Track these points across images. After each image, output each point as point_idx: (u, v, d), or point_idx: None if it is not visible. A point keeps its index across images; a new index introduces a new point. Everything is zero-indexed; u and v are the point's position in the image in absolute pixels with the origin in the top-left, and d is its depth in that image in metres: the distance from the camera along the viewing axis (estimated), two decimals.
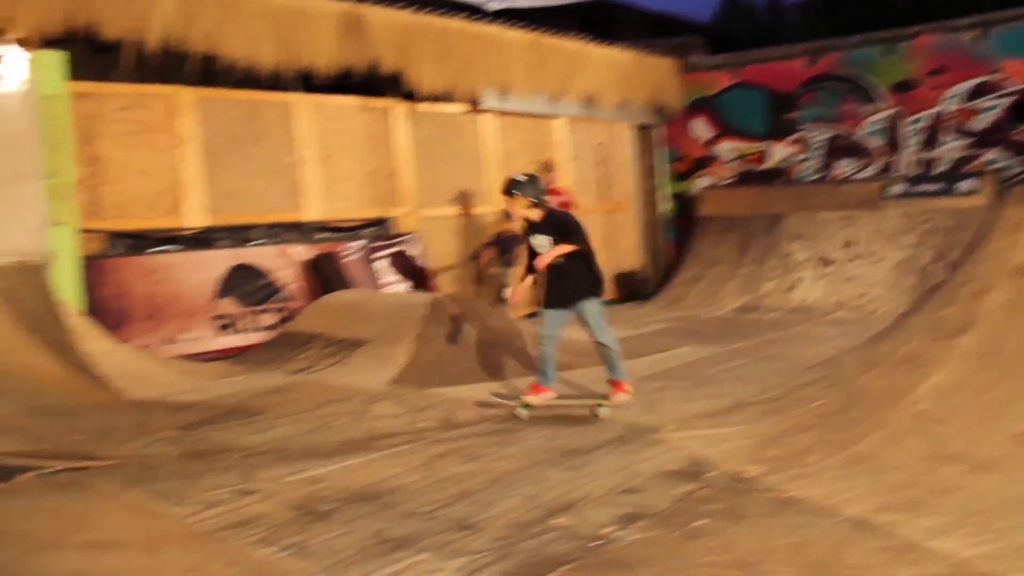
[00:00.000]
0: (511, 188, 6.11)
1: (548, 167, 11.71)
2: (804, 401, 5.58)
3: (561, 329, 6.21)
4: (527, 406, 6.16)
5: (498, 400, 6.60)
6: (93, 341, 7.73)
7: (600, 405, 6.13)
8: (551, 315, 6.16)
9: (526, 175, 6.23)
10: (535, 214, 6.11)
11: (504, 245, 10.69)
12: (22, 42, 8.33)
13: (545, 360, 6.19)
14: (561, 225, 6.07)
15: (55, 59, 8.25)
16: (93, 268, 8.49)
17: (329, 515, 4.10)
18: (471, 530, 3.92)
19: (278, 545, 3.71)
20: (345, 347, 8.01)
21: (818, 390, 5.70)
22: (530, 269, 6.19)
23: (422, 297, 8.82)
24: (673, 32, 16.93)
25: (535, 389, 6.25)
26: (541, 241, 6.09)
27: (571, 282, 6.06)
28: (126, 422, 6.15)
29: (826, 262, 12.21)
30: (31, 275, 7.87)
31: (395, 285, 10.48)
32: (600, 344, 6.16)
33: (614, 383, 6.25)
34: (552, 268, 6.03)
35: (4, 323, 7.28)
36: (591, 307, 6.09)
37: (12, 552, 3.34)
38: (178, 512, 4.12)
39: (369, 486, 4.55)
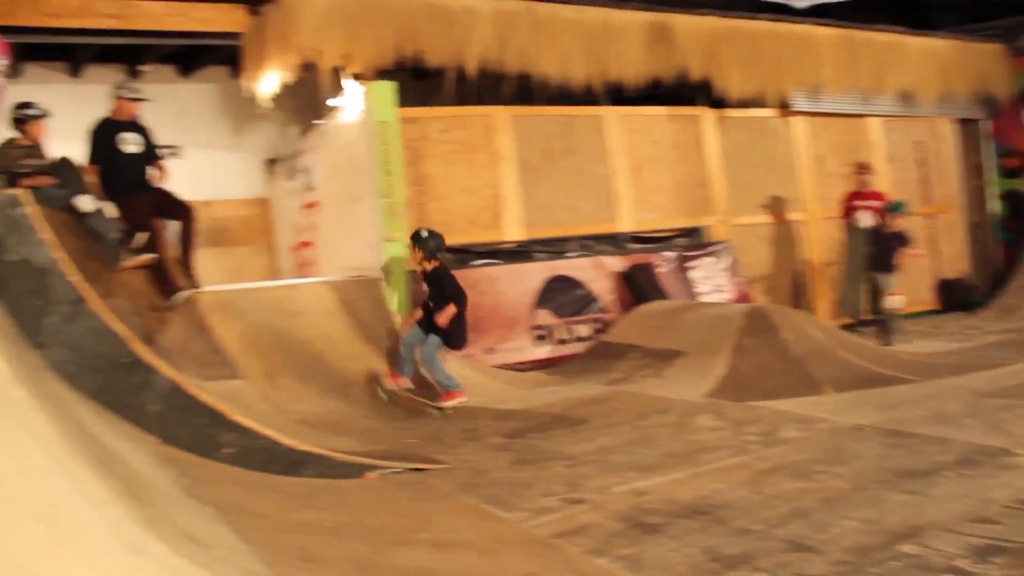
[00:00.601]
0: (413, 240, 7.50)
1: (863, 169, 11.02)
2: None
3: (419, 343, 7.35)
4: (389, 393, 7.28)
5: (409, 394, 7.29)
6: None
7: (439, 408, 7.01)
8: (418, 332, 7.41)
9: (429, 232, 7.52)
10: (428, 266, 7.46)
11: (886, 245, 10.10)
12: (358, 76, 9.03)
13: (403, 360, 7.38)
14: (440, 284, 7.40)
15: (387, 89, 8.85)
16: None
17: (658, 528, 4.02)
18: (809, 552, 3.70)
19: (610, 556, 3.68)
20: (661, 358, 7.92)
21: None
22: (424, 306, 7.47)
23: (739, 307, 8.56)
24: (998, 13, 15.37)
25: (393, 377, 7.36)
26: (429, 289, 7.48)
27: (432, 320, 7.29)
28: (455, 428, 6.42)
29: None
30: (369, 288, 8.45)
31: (710, 295, 10.28)
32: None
33: (448, 393, 7.11)
34: (428, 307, 7.44)
35: (348, 333, 7.87)
36: (432, 341, 7.28)
37: (368, 544, 3.55)
38: (511, 517, 4.21)
39: (696, 500, 4.43)
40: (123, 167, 7.24)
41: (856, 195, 10.69)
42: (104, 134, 7.29)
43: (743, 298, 10.30)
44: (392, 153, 8.74)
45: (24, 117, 7.04)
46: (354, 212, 9.38)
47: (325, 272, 10.20)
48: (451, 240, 9.43)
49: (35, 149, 7.05)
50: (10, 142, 6.98)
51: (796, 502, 4.35)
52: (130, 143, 7.32)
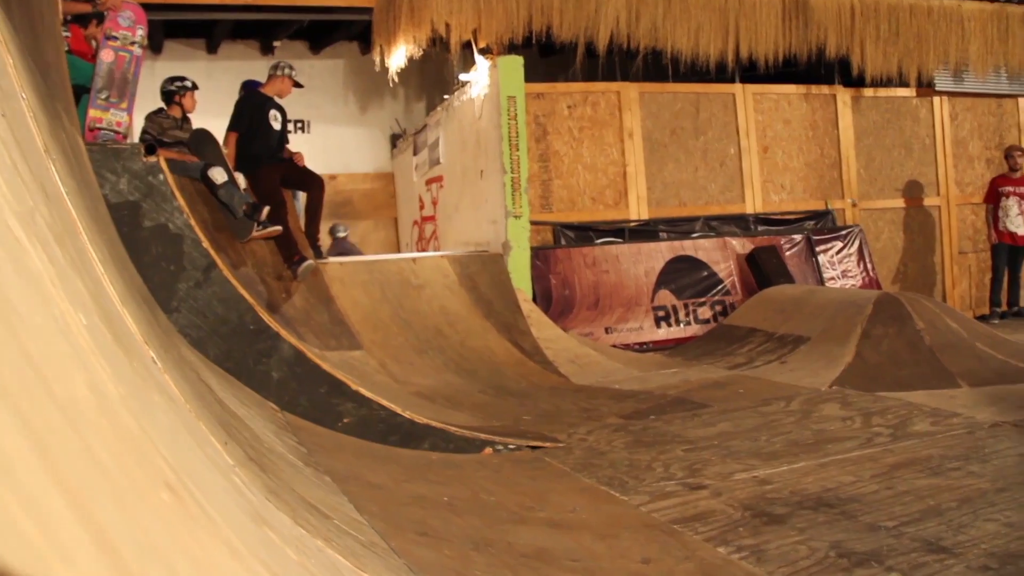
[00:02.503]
0: None
1: (1015, 153, 10.41)
2: None
3: None
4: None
5: None
6: (542, 327, 8.17)
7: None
8: None
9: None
10: None
11: None
12: (486, 50, 9.02)
13: None
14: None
15: (515, 64, 8.80)
16: (542, 258, 8.96)
17: (783, 519, 3.86)
18: (945, 554, 3.48)
19: (732, 545, 3.55)
20: (786, 343, 7.71)
21: None
22: None
23: (868, 293, 8.22)
24: None
25: None
26: None
27: None
28: (573, 407, 6.35)
29: None
30: (490, 264, 8.49)
31: (837, 281, 9.95)
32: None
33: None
34: None
35: (467, 308, 7.92)
36: None
37: (484, 520, 3.51)
38: (628, 500, 4.12)
39: (823, 492, 4.24)
40: (263, 140, 7.42)
41: (1004, 180, 10.12)
42: (257, 106, 7.49)
43: (872, 285, 9.94)
44: (519, 128, 8.73)
45: (176, 90, 7.28)
46: (478, 187, 9.42)
47: (447, 247, 10.33)
48: (575, 217, 9.44)
49: (183, 121, 7.28)
50: (160, 111, 7.25)
51: (930, 499, 4.11)
52: (275, 119, 7.51)
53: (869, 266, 10.21)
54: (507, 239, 8.65)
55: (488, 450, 4.96)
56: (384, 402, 5.07)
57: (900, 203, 10.98)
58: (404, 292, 7.77)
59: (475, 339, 7.63)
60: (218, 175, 6.68)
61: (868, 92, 10.82)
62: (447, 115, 10.52)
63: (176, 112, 7.28)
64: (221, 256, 5.43)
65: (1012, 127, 11.69)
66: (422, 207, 11.63)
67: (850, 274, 10.09)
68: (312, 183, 7.71)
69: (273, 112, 7.52)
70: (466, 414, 5.91)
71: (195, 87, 7.38)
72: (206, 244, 5.16)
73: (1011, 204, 9.95)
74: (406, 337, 7.30)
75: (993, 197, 10.19)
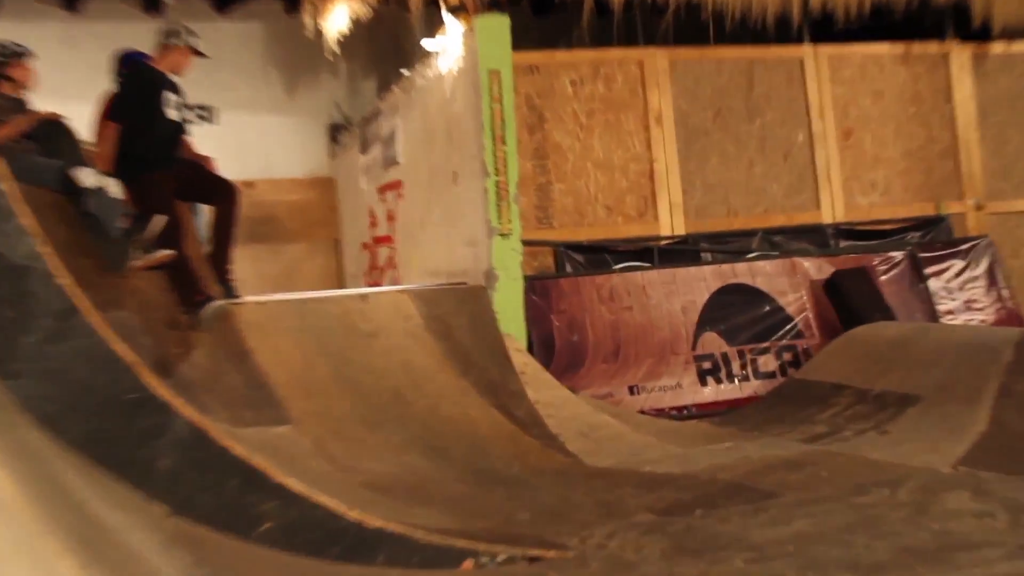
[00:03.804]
0: None
1: None
2: None
3: None
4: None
5: None
6: (541, 387, 8.07)
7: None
8: None
9: None
10: None
11: None
12: (458, 9, 8.95)
13: None
14: None
15: (498, 26, 8.74)
16: (540, 292, 8.88)
17: None
18: None
19: None
20: (886, 405, 7.66)
21: None
22: None
23: (1006, 332, 8.14)
24: None
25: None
26: None
27: None
28: (586, 499, 6.22)
29: None
30: (468, 301, 8.41)
31: (958, 315, 9.92)
32: None
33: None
34: None
35: (437, 362, 7.82)
36: None
37: None
38: None
39: None
40: (154, 134, 7.28)
41: None
42: (146, 86, 7.34)
43: (1011, 320, 9.87)
44: (505, 114, 8.67)
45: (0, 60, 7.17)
46: (450, 196, 9.38)
47: (408, 278, 10.27)
48: (584, 234, 9.37)
49: (18, 104, 7.15)
50: None
51: None
52: (171, 105, 7.39)
53: (1004, 293, 10.15)
54: (491, 266, 8.57)
55: (468, 563, 4.85)
56: (322, 498, 4.95)
57: None
58: (350, 342, 7.68)
59: (449, 406, 7.54)
60: (84, 177, 6.57)
61: (997, 48, 10.82)
62: (407, 98, 10.48)
63: (6, 89, 7.15)
64: (88, 295, 5.29)
65: None
66: (374, 224, 11.58)
67: (977, 305, 10.02)
68: (221, 193, 7.59)
69: (168, 96, 7.42)
70: (437, 512, 5.78)
71: (28, 53, 7.25)
72: (64, 279, 5.02)
73: None
74: (353, 405, 7.19)
75: None
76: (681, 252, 9.64)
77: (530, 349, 8.64)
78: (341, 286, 12.12)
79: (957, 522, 5.37)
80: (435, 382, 7.70)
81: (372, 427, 7.05)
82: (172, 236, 6.90)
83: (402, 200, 10.71)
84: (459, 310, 8.31)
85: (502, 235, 8.60)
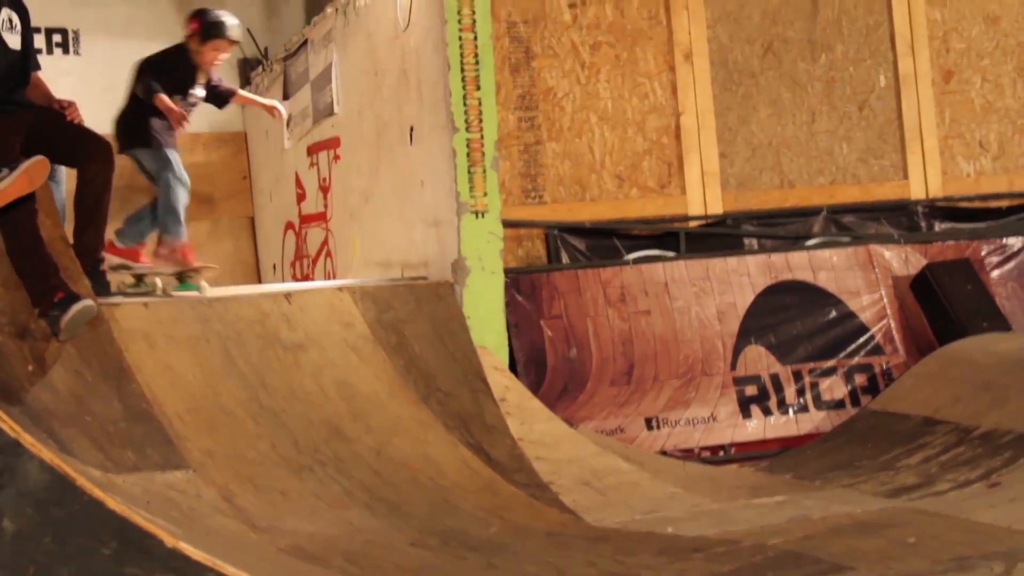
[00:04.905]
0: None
1: None
2: None
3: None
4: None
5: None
6: (528, 418, 8.07)
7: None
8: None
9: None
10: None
11: None
12: None
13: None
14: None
15: None
16: (526, 289, 8.91)
17: None
18: None
19: None
20: (998, 448, 7.65)
21: None
22: None
23: None
24: None
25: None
26: None
27: None
28: (588, 570, 6.18)
29: None
30: (430, 302, 8.43)
31: None
32: None
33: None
34: None
35: (387, 384, 7.83)
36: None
37: None
38: None
39: None
40: None
41: None
42: None
43: None
44: (480, 48, 8.66)
45: None
46: (405, 160, 9.42)
47: (349, 271, 10.28)
48: (586, 213, 9.32)
49: None
50: None
51: None
52: (9, 29, 7.31)
53: None
54: (461, 255, 8.54)
55: None
56: (230, 570, 4.88)
57: None
58: (269, 358, 7.70)
59: (404, 444, 7.55)
60: None
61: None
62: (345, 24, 10.49)
63: None
64: None
65: None
66: (302, 196, 11.59)
67: None
68: (88, 153, 7.55)
69: (7, 17, 7.34)
70: None
71: None
72: None
73: None
74: (273, 443, 7.17)
75: None
76: (717, 237, 9.65)
77: (513, 367, 8.65)
78: (257, 280, 12.08)
79: None
80: (385, 412, 7.72)
81: (299, 472, 7.04)
82: (19, 212, 6.83)
83: (340, 164, 10.67)
84: (417, 314, 8.34)
85: (475, 213, 8.58)
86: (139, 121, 8.94)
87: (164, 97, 8.70)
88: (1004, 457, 7.52)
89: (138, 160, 9.03)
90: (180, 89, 9.07)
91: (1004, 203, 10.29)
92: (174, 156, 8.93)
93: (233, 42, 9.32)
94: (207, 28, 9.03)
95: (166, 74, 9.00)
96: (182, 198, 8.88)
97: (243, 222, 12.62)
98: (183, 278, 8.68)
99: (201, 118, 12.49)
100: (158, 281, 8.42)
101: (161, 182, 8.85)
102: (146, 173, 9.08)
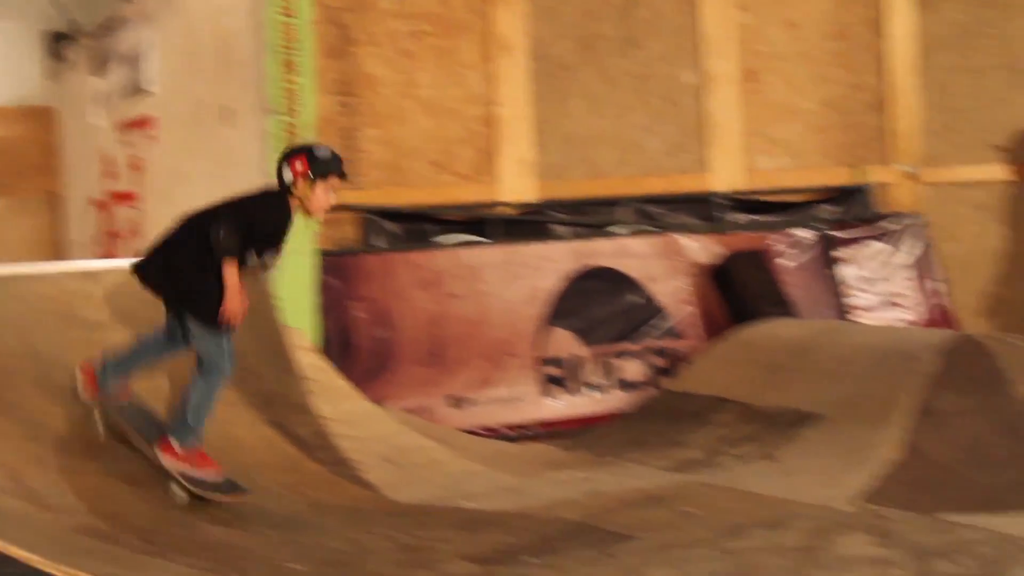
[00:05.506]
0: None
1: None
2: None
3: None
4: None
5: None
6: (334, 398, 8.15)
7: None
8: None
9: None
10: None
11: None
12: None
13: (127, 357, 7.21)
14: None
15: None
16: (338, 271, 8.99)
17: None
18: None
19: None
20: (777, 424, 7.91)
21: None
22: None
23: (932, 336, 8.43)
24: None
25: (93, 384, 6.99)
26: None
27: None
28: (386, 544, 6.29)
29: None
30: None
31: (874, 311, 10.21)
32: None
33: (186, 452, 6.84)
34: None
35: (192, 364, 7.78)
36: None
37: None
38: None
39: None
40: None
41: None
42: None
43: (942, 321, 10.20)
44: (299, 31, 8.68)
45: None
46: (222, 141, 9.42)
47: None
48: (405, 197, 9.41)
49: None
50: None
51: None
52: None
53: (938, 286, 10.50)
54: None
55: None
56: (19, 552, 4.92)
57: (999, 174, 11.24)
58: (68, 338, 7.59)
59: (210, 424, 7.29)
60: None
61: None
62: (165, 3, 10.39)
63: None
64: None
65: None
66: (112, 174, 11.52)
67: (902, 300, 10.36)
68: None
69: None
70: (182, 565, 5.77)
71: None
72: None
73: None
74: (69, 422, 7.10)
75: None
76: (529, 224, 9.80)
77: (326, 348, 8.73)
78: (60, 257, 11.94)
79: (851, 573, 5.57)
80: None
81: (94, 452, 6.97)
82: None
83: (154, 143, 10.59)
84: None
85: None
86: (207, 287, 7.08)
87: (235, 273, 7.06)
88: (782, 434, 7.80)
89: (186, 325, 7.19)
90: (268, 246, 7.40)
91: (798, 198, 10.60)
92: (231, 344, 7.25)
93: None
94: (319, 165, 7.20)
95: (258, 226, 7.30)
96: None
97: (46, 198, 12.47)
98: None
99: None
100: None
101: (210, 369, 7.13)
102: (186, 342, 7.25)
